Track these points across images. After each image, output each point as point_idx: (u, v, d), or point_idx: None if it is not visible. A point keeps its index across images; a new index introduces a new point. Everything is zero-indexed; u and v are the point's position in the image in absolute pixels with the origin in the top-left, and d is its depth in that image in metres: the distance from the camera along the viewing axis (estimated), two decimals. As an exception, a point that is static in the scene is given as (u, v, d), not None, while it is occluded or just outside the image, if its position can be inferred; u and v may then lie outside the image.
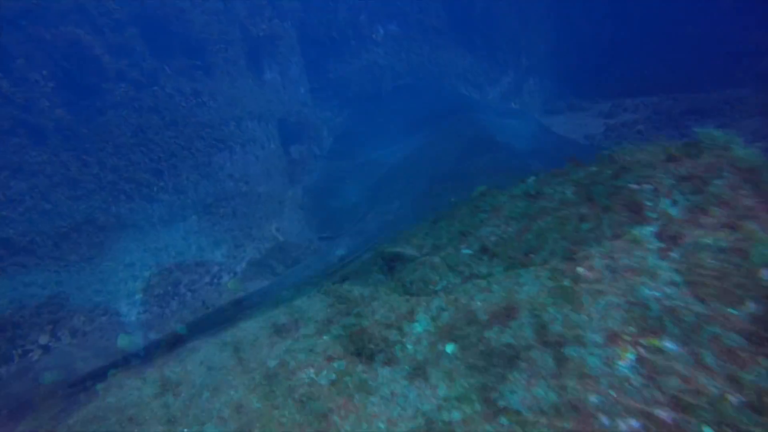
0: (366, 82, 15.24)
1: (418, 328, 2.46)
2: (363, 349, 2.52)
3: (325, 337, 3.04)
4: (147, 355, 10.23)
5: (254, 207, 10.64)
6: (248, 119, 10.74)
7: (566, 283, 2.28)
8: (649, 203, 2.52)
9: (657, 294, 2.07)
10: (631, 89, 16.36)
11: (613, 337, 1.92)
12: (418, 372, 2.22)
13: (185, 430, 2.95)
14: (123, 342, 4.52)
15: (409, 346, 2.37)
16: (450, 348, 2.22)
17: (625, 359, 1.87)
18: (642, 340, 1.92)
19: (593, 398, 1.80)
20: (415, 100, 14.30)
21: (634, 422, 1.72)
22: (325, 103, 14.83)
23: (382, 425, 2.06)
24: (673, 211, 2.44)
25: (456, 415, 1.95)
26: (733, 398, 1.70)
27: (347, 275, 4.27)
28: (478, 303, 2.41)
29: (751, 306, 1.95)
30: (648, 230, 2.38)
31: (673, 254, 2.23)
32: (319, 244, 9.59)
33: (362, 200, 10.32)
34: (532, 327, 2.11)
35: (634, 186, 2.70)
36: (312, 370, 2.70)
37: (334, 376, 2.53)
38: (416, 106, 13.90)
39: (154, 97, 9.30)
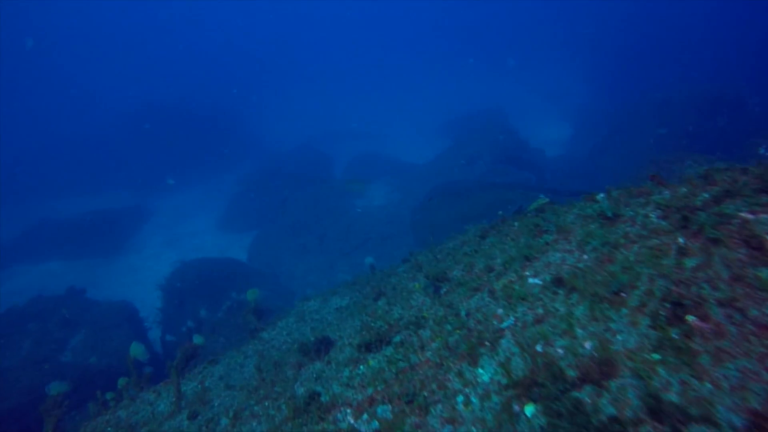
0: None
1: (484, 376, 2.04)
2: (415, 395, 2.10)
3: (362, 368, 2.63)
4: (161, 362, 9.94)
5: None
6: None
7: (674, 335, 1.84)
8: (770, 238, 2.06)
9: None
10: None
11: (758, 421, 1.47)
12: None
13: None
14: (136, 351, 4.18)
15: (475, 401, 1.95)
16: (530, 410, 1.79)
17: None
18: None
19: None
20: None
21: None
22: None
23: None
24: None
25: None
26: None
27: (383, 290, 3.86)
28: (560, 351, 1.97)
29: None
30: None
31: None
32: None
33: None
34: (638, 393, 1.67)
35: (749, 216, 2.23)
36: (350, 412, 2.29)
37: (377, 426, 2.12)
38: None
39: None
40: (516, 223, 3.17)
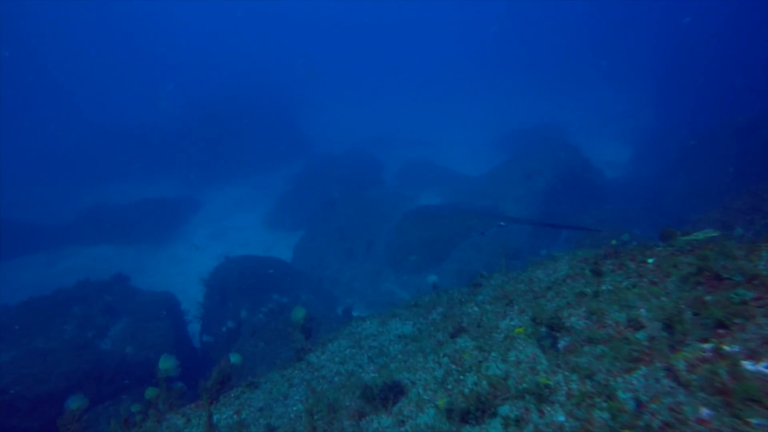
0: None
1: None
2: None
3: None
4: (199, 359, 9.56)
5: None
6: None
7: None
8: None
9: None
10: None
11: None
12: None
13: None
14: (166, 365, 3.67)
15: None
16: None
17: None
18: None
19: None
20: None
21: None
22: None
23: None
24: None
25: None
26: None
27: (462, 323, 3.18)
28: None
29: None
30: None
31: None
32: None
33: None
34: None
35: None
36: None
37: None
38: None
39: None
40: (650, 260, 2.44)
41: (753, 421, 1.46)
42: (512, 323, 2.61)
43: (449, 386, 2.19)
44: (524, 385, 1.98)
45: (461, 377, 2.22)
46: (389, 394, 2.39)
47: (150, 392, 4.30)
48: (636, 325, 2.02)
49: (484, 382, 2.08)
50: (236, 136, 27.61)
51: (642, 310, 2.07)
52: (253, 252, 15.51)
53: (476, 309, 3.36)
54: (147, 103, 37.62)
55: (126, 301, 11.00)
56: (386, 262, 13.68)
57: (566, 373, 1.95)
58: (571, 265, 3.30)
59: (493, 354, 2.32)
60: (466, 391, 2.08)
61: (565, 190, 17.59)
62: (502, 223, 7.62)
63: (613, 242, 3.19)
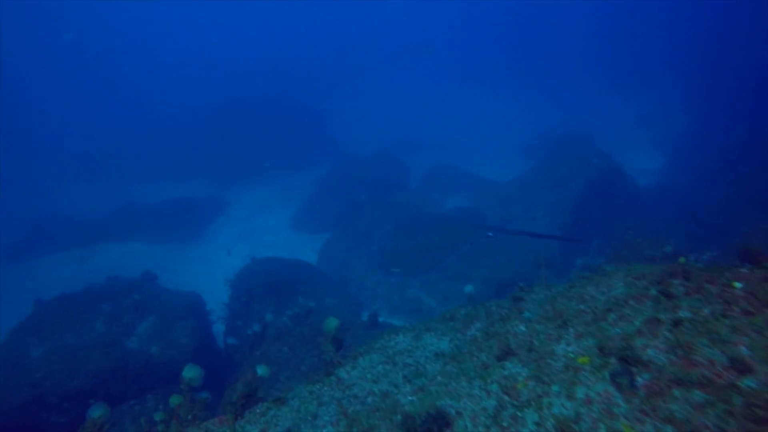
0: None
1: None
2: None
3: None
4: (223, 361, 9.45)
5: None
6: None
7: None
8: None
9: None
10: None
11: None
12: None
13: None
14: (190, 374, 3.50)
15: None
16: None
17: None
18: None
19: None
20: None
21: None
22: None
23: None
24: None
25: None
26: None
27: (509, 344, 2.90)
28: None
29: None
30: None
31: None
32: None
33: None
34: None
35: None
36: None
37: None
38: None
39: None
40: (738, 285, 2.12)
41: None
42: (570, 349, 2.32)
43: (504, 423, 1.93)
44: None
45: (519, 413, 1.96)
46: (433, 426, 2.14)
47: (174, 400, 4.15)
48: (740, 366, 1.71)
49: (551, 424, 1.81)
50: (265, 137, 27.80)
51: (742, 348, 1.77)
52: (278, 253, 15.47)
53: (523, 328, 3.08)
54: (179, 104, 38.28)
55: (153, 300, 11.01)
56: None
57: (658, 424, 1.65)
58: (628, 282, 2.99)
59: (555, 388, 2.04)
60: None
61: (597, 198, 17.03)
62: (490, 234, 8.00)
63: (682, 260, 2.86)
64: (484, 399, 2.22)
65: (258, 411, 3.23)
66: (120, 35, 67.23)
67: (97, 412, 3.77)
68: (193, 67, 55.92)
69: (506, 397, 2.13)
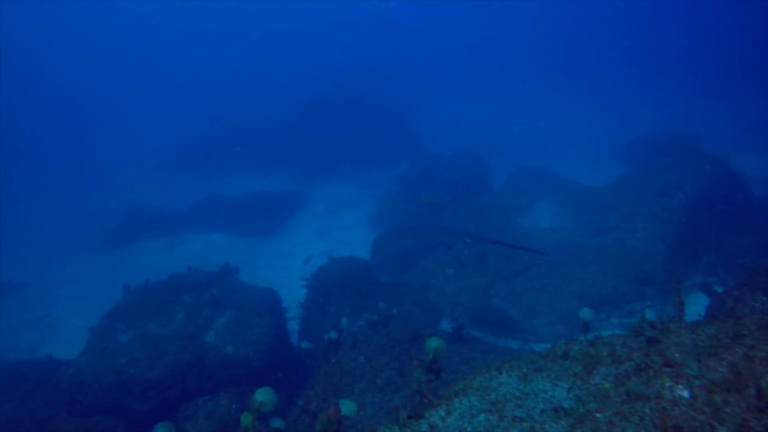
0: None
1: None
2: None
3: None
4: (298, 362, 9.13)
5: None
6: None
7: None
8: None
9: None
10: None
11: None
12: None
13: None
14: (263, 398, 3.05)
15: None
16: None
17: None
18: None
19: None
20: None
21: None
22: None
23: None
24: None
25: None
26: None
27: (674, 421, 2.13)
28: None
29: None
30: None
31: None
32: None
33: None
34: None
35: None
36: None
37: None
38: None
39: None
40: None
41: None
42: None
43: None
44: None
45: None
46: None
47: (246, 419, 3.75)
48: None
49: None
50: (347, 134, 27.82)
51: None
52: (355, 252, 15.13)
53: (685, 394, 2.31)
54: (265, 100, 39.55)
55: (231, 294, 11.04)
56: (498, 277, 12.53)
57: None
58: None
59: None
60: None
61: (709, 210, 15.09)
62: (468, 241, 8.73)
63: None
64: None
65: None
66: (216, 34, 71.11)
67: (161, 430, 3.44)
68: (283, 63, 57.79)
69: None
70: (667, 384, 2.53)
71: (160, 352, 9.44)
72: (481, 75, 56.00)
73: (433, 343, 3.43)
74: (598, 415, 2.56)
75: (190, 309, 10.72)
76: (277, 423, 3.39)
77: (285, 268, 17.47)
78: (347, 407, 3.09)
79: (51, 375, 10.08)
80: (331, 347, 7.80)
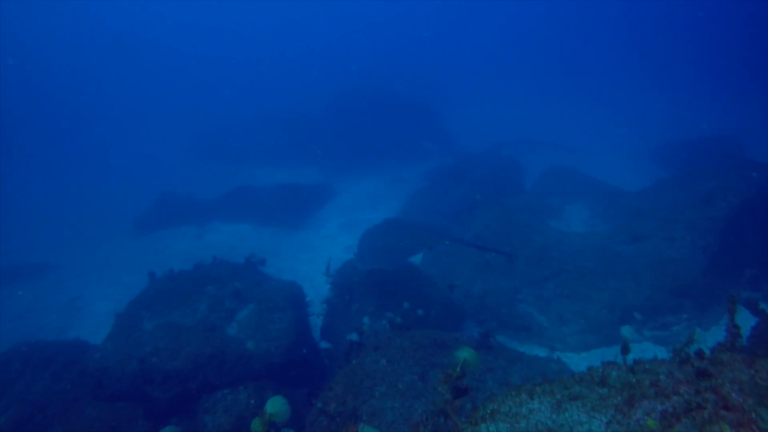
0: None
1: None
2: None
3: None
4: (318, 360, 8.98)
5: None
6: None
7: None
8: None
9: None
10: None
11: None
12: None
13: None
14: (274, 408, 2.88)
15: None
16: None
17: None
18: None
19: None
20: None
21: None
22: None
23: None
24: None
25: None
26: None
27: None
28: None
29: None
30: None
31: None
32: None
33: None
34: None
35: None
36: None
37: None
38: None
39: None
40: None
41: None
42: None
43: None
44: None
45: None
46: None
47: (256, 425, 3.60)
48: None
49: None
50: (376, 128, 27.64)
51: None
52: (381, 249, 14.95)
53: None
54: (299, 94, 39.71)
55: (254, 287, 10.98)
56: (526, 281, 12.17)
57: None
58: None
59: None
60: None
61: (754, 220, 14.32)
62: (447, 242, 9.52)
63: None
64: None
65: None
66: (252, 29, 71.84)
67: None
68: (318, 59, 58.00)
69: None
70: (721, 428, 2.24)
71: (182, 343, 9.45)
72: (513, 73, 54.95)
73: (463, 354, 3.19)
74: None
75: (213, 300, 10.71)
76: (291, 436, 3.23)
77: (310, 260, 17.43)
78: None
79: (78, 358, 10.23)
80: (352, 348, 7.63)
